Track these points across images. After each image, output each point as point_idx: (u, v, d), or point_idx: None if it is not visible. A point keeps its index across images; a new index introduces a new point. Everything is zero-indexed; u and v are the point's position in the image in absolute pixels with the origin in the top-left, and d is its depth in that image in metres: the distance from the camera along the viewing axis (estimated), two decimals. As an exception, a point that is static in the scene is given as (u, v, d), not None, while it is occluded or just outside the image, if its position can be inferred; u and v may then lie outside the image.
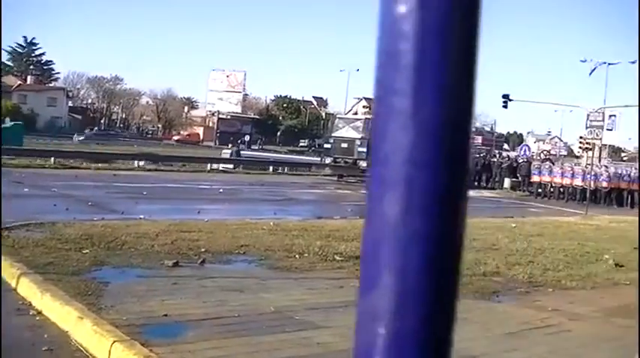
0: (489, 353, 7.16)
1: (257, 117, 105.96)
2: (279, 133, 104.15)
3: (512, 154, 65.44)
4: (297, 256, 11.66)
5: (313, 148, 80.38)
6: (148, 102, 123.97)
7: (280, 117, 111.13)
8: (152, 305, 7.78)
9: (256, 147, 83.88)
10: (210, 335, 6.72)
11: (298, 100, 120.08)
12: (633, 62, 60.04)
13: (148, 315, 7.39)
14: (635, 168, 50.67)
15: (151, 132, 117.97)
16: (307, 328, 7.48)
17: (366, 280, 0.58)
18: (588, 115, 37.32)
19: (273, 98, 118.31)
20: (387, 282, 0.57)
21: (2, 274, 8.77)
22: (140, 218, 14.32)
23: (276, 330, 7.23)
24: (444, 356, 0.58)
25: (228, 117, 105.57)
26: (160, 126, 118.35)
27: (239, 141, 78.51)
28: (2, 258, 9.12)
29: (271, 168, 43.05)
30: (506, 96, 51.89)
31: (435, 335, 0.57)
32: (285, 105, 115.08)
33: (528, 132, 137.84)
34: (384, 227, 0.58)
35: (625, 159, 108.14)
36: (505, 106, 52.08)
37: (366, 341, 0.57)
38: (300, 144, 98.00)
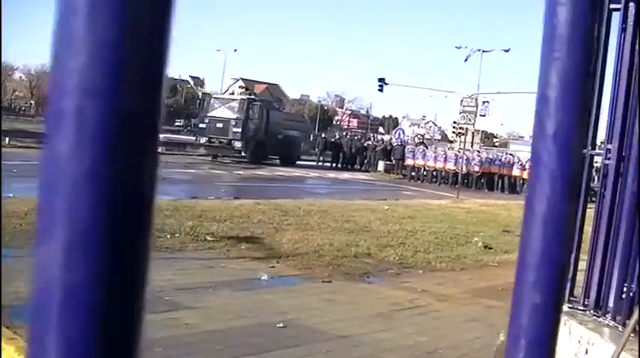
0: (359, 334, 7.21)
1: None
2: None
3: (387, 138, 66.47)
4: (168, 236, 11.48)
5: (189, 128, 79.49)
6: (21, 77, 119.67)
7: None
8: (19, 287, 7.49)
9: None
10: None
11: (175, 79, 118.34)
12: (507, 50, 61.95)
13: (14, 297, 7.11)
14: (507, 154, 52.35)
15: (24, 108, 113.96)
16: (176, 309, 7.38)
17: (40, 230, 0.50)
18: (462, 101, 38.15)
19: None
20: (58, 231, 0.50)
21: None
22: (10, 196, 13.77)
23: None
24: (127, 306, 0.52)
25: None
26: (32, 102, 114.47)
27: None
28: None
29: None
30: (382, 80, 52.56)
31: (111, 289, 0.50)
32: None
33: (403, 117, 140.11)
34: (56, 166, 0.50)
35: (497, 144, 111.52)
36: (381, 90, 52.80)
37: (42, 295, 0.50)
38: (176, 123, 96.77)
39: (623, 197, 5.90)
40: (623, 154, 6.00)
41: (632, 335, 4.50)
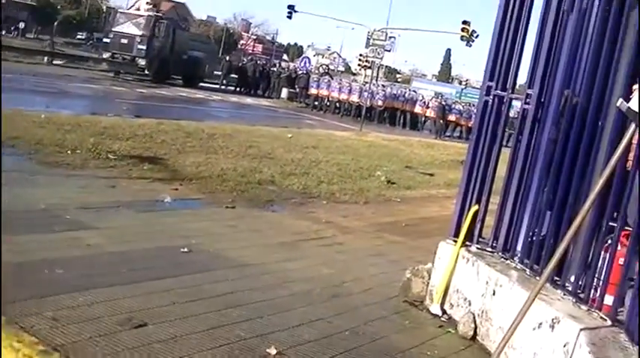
0: (263, 263, 7.13)
1: (34, 3, 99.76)
2: (56, 23, 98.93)
3: (292, 65, 66.09)
4: (69, 152, 11.10)
5: (91, 42, 77.20)
6: None
7: (59, 7, 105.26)
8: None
9: (31, 36, 79.20)
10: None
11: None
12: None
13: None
14: (411, 90, 52.81)
15: None
16: (78, 228, 7.12)
17: None
18: (371, 33, 38.12)
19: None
20: None
21: None
22: None
23: (44, 229, 6.82)
24: None
25: (2, 0, 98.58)
26: None
27: (12, 28, 73.85)
28: None
29: (45, 58, 40.77)
30: (291, 7, 51.89)
31: None
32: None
33: (309, 46, 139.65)
34: None
35: (399, 80, 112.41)
36: (289, 17, 52.17)
37: None
38: (78, 36, 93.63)
39: (540, 142, 5.94)
40: (542, 100, 6.01)
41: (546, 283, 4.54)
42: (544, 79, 6.03)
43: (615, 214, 4.75)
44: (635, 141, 4.48)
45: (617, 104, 4.31)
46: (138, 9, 48.65)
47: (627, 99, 4.27)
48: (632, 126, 4.24)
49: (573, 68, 5.71)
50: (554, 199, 5.46)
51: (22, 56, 38.41)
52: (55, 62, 40.64)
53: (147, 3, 48.44)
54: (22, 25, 77.52)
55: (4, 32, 56.55)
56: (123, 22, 41.87)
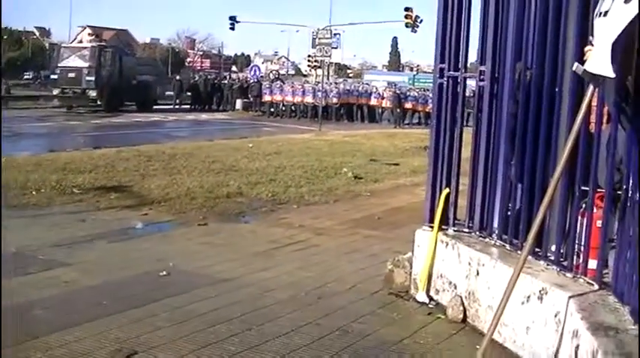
0: (242, 275, 7.10)
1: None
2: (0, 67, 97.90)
3: (242, 75, 66.01)
4: (33, 192, 11.00)
5: (39, 81, 76.48)
6: None
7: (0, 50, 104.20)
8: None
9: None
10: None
11: (19, 31, 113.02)
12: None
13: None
14: (364, 84, 52.98)
15: None
16: (52, 267, 7.04)
17: None
18: (316, 33, 38.19)
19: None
20: None
21: None
22: None
23: (19, 272, 6.72)
24: None
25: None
26: None
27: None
28: None
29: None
30: (233, 18, 51.81)
31: None
32: (5, 37, 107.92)
33: (255, 54, 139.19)
34: None
35: (351, 75, 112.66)
36: (232, 28, 52.15)
37: None
38: (25, 76, 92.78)
39: (500, 118, 5.95)
40: (496, 75, 6.03)
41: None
42: (495, 54, 6.05)
43: (586, 178, 4.77)
44: (594, 102, 4.51)
45: (573, 68, 4.33)
46: (80, 41, 48.61)
47: (581, 62, 4.30)
48: (590, 87, 4.26)
49: (522, 39, 5.73)
50: (523, 171, 5.47)
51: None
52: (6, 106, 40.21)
53: (89, 34, 48.27)
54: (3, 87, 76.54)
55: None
56: (68, 57, 41.64)
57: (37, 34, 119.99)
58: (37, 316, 5.60)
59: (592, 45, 4.27)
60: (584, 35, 4.74)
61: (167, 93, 51.82)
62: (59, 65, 41.79)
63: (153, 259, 7.53)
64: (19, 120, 30.56)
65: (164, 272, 6.99)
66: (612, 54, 3.83)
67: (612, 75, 3.88)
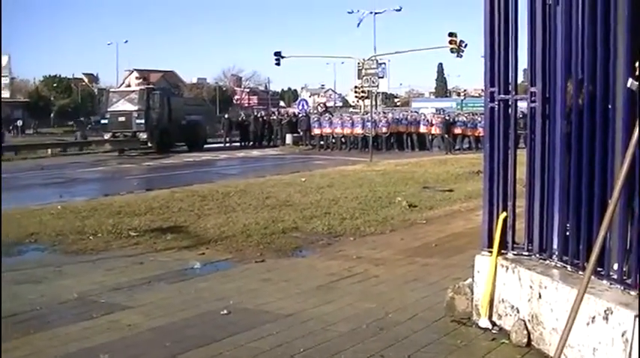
0: (302, 310, 7.09)
1: (27, 100, 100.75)
2: (52, 114, 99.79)
3: (291, 110, 66.42)
4: (90, 237, 11.16)
5: (90, 126, 78.03)
6: None
7: (52, 98, 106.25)
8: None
9: (30, 132, 80.00)
10: (8, 336, 6.17)
11: (69, 79, 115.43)
12: (398, 10, 62.73)
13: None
14: (412, 112, 52.95)
15: None
16: (114, 310, 7.10)
17: None
18: (361, 64, 38.36)
19: (42, 79, 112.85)
20: None
21: None
22: None
23: (82, 317, 6.81)
24: None
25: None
26: None
27: (11, 127, 74.50)
28: None
29: (49, 150, 41.08)
30: (278, 54, 52.32)
31: None
32: (55, 84, 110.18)
33: (302, 88, 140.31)
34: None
35: (398, 104, 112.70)
36: (278, 64, 52.55)
37: None
38: (69, 123, 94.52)
39: (554, 137, 5.90)
40: (547, 96, 5.99)
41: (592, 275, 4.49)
42: (544, 74, 6.02)
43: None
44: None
45: (628, 84, 4.29)
46: (129, 85, 49.35)
47: (634, 77, 4.25)
48: (645, 102, 4.22)
49: (571, 57, 5.69)
50: (581, 191, 5.41)
51: (27, 153, 38.82)
52: (60, 152, 40.96)
53: (136, 78, 49.10)
54: (19, 122, 78.29)
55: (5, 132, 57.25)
56: (117, 101, 42.39)
57: (86, 80, 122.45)
58: (104, 361, 5.66)
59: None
60: (635, 50, 4.69)
61: (217, 132, 52.41)
62: (109, 110, 42.58)
63: (213, 298, 7.57)
64: (73, 166, 31.13)
65: (225, 311, 7.02)
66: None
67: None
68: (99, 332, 6.39)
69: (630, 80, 4.24)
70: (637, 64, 4.34)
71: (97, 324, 6.65)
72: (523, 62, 6.38)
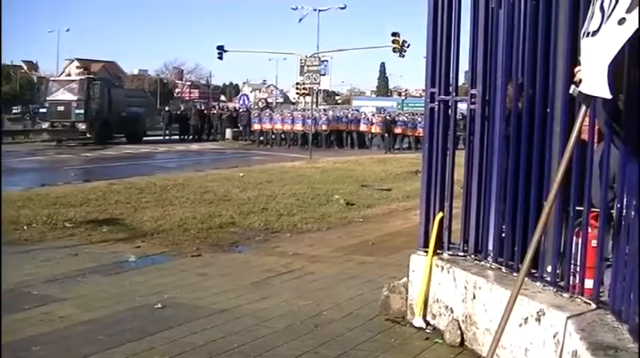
0: (238, 305, 7.07)
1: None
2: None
3: (231, 105, 66.18)
4: (25, 228, 10.96)
5: (28, 114, 76.71)
6: None
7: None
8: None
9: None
10: None
11: (7, 65, 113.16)
12: (343, 7, 62.89)
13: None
14: (353, 110, 53.15)
15: None
16: (47, 302, 6.98)
17: None
18: (304, 61, 38.33)
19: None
20: None
21: None
22: None
23: (14, 309, 6.67)
24: None
25: None
26: None
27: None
28: None
29: (-18, 138, 40.25)
30: (220, 48, 51.92)
31: None
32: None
33: (244, 83, 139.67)
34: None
35: (339, 101, 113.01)
36: (220, 58, 52.14)
37: None
38: (14, 111, 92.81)
39: (492, 139, 5.96)
40: (487, 98, 6.05)
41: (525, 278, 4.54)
42: (485, 76, 6.07)
43: (580, 198, 4.76)
44: (586, 123, 4.51)
45: (570, 91, 4.34)
46: (69, 74, 48.61)
47: (574, 83, 4.31)
48: (583, 107, 4.27)
49: (512, 60, 5.75)
50: (517, 193, 5.47)
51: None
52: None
53: (77, 67, 48.36)
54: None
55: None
56: (56, 90, 41.72)
57: (25, 67, 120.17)
58: (34, 353, 5.55)
59: (581, 65, 4.28)
60: (574, 55, 4.75)
61: (157, 124, 51.94)
62: (48, 99, 41.86)
63: (148, 292, 7.49)
64: (10, 154, 30.51)
65: (159, 305, 6.95)
66: (608, 75, 3.83)
67: (609, 96, 3.89)
68: (32, 324, 6.28)
69: (573, 87, 4.29)
70: (576, 70, 4.39)
71: (29, 316, 6.54)
72: (464, 64, 6.45)
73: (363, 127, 45.06)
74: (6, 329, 6.04)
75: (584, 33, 4.17)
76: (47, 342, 5.79)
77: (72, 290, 7.50)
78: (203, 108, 59.59)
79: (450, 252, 6.36)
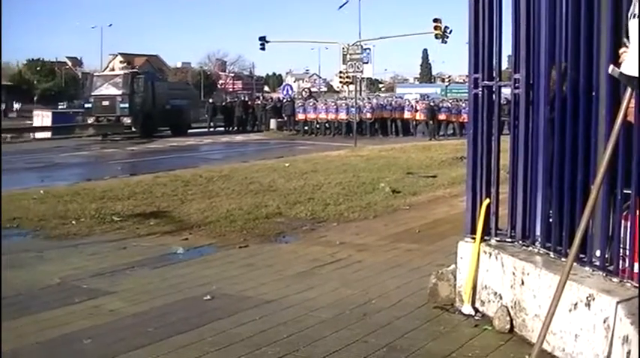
0: (285, 296, 7.08)
1: (10, 84, 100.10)
2: (35, 98, 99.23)
3: (275, 95, 66.32)
4: (73, 222, 11.09)
5: (73, 110, 77.73)
6: None
7: (35, 82, 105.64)
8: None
9: (14, 116, 79.53)
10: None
11: (52, 62, 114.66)
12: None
13: None
14: (396, 97, 52.94)
15: None
16: (96, 296, 7.07)
17: None
18: (346, 50, 38.32)
19: (25, 62, 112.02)
20: None
21: None
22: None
23: (64, 302, 6.79)
24: None
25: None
26: None
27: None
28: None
29: (31, 134, 40.82)
30: (263, 39, 52.07)
31: None
32: (38, 68, 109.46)
33: (287, 73, 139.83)
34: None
35: (383, 89, 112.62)
36: (263, 48, 52.31)
37: None
38: (60, 107, 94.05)
39: (537, 124, 5.91)
40: (531, 82, 5.99)
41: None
42: (528, 60, 6.01)
43: (628, 181, 4.70)
44: (632, 104, 4.44)
45: (609, 71, 4.27)
46: (112, 69, 49.07)
47: (617, 65, 4.24)
48: (628, 90, 4.21)
49: (555, 44, 5.68)
50: (564, 177, 5.42)
51: (11, 136, 38.60)
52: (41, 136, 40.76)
53: (120, 62, 48.82)
54: (2, 106, 77.77)
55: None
56: (101, 85, 42.17)
57: (70, 64, 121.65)
58: (85, 346, 5.63)
59: (627, 47, 4.22)
60: (618, 37, 4.69)
61: (201, 117, 52.34)
62: (93, 94, 42.36)
63: (196, 284, 7.55)
64: (56, 150, 30.97)
65: (208, 297, 7.00)
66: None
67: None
68: (81, 318, 6.36)
69: (612, 66, 4.22)
70: (620, 51, 4.33)
71: (79, 309, 6.62)
72: (507, 49, 6.39)
73: (407, 115, 44.84)
74: (56, 323, 6.15)
75: (630, 14, 4.11)
76: (97, 335, 5.86)
77: (120, 284, 7.58)
78: (247, 99, 59.80)
79: (498, 238, 6.32)
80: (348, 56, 37.42)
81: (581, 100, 5.23)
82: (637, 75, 3.92)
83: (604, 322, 4.50)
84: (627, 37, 4.22)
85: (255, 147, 34.22)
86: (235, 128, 49.83)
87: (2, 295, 6.69)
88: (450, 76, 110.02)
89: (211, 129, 49.63)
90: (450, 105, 44.95)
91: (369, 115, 43.36)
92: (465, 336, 5.78)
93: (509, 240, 6.22)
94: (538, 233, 5.85)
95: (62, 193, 14.18)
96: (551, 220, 5.71)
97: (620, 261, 4.84)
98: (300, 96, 59.89)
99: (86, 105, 44.17)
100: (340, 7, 64.73)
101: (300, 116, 45.71)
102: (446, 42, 45.28)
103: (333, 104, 45.68)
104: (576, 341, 4.80)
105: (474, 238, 6.34)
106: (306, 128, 45.49)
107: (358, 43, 41.45)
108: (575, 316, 4.80)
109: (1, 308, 6.15)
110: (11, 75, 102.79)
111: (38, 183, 17.41)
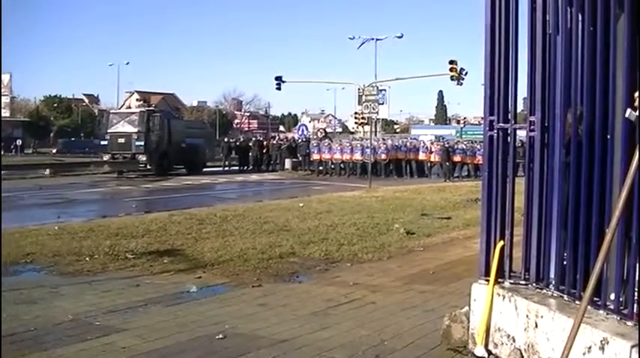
0: (298, 335, 7.06)
1: (27, 119, 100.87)
2: (52, 134, 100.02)
3: (290, 135, 66.64)
4: (87, 259, 11.12)
5: (87, 148, 78.28)
6: None
7: (52, 118, 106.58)
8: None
9: (30, 151, 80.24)
10: (3, 356, 6.15)
11: (69, 99, 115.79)
12: (400, 37, 63.40)
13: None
14: (411, 138, 53.05)
15: None
16: (109, 333, 7.07)
17: None
18: (362, 90, 38.51)
19: (42, 99, 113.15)
20: None
21: None
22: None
23: (76, 339, 6.79)
24: None
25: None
26: None
27: (11, 147, 74.75)
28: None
29: (47, 170, 41.05)
30: (279, 79, 52.40)
31: None
32: (55, 104, 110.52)
33: (303, 113, 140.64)
34: None
35: (397, 130, 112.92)
36: (279, 88, 52.62)
37: None
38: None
39: (552, 166, 5.91)
40: (546, 125, 6.00)
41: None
42: (544, 103, 6.03)
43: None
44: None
45: (626, 115, 4.29)
46: (129, 107, 49.42)
47: (633, 108, 4.26)
48: (643, 133, 4.22)
49: (570, 87, 5.71)
50: (579, 220, 5.41)
51: (25, 172, 38.83)
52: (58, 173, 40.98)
53: (136, 99, 49.17)
54: (19, 142, 78.49)
55: (2, 152, 57.54)
56: (117, 122, 42.50)
57: (87, 101, 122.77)
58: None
59: (642, 90, 4.24)
60: (634, 80, 4.70)
61: (216, 156, 52.58)
62: (109, 131, 42.68)
63: (209, 322, 7.54)
64: (72, 187, 31.11)
65: (220, 336, 6.99)
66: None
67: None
68: (94, 355, 6.36)
69: (629, 110, 4.25)
70: (636, 95, 4.35)
71: (91, 346, 6.62)
72: (523, 91, 6.42)
73: (421, 156, 44.95)
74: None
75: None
76: (110, 373, 5.87)
77: (133, 321, 7.58)
78: (262, 138, 60.06)
79: (512, 281, 6.29)
80: (363, 97, 37.54)
81: (596, 143, 5.24)
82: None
83: (619, 366, 4.46)
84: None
85: (270, 187, 34.28)
86: (250, 167, 50.01)
87: (16, 331, 6.70)
88: (465, 118, 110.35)
89: (226, 168, 49.82)
90: (464, 147, 45.07)
91: (383, 156, 43.47)
92: (478, 379, 5.75)
93: (523, 282, 6.19)
94: (552, 275, 5.83)
95: (77, 229, 14.23)
96: (565, 263, 5.69)
97: (635, 305, 4.81)
98: (315, 137, 60.13)
99: (102, 143, 44.46)
100: (359, 46, 65.42)
101: (315, 156, 45.89)
102: (461, 84, 45.39)
103: (348, 145, 45.84)
104: (591, 385, 4.76)
105: (487, 280, 6.32)
106: (320, 168, 45.63)
107: (374, 84, 41.62)
108: (589, 360, 4.76)
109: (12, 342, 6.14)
110: (28, 111, 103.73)
111: (54, 219, 17.46)
